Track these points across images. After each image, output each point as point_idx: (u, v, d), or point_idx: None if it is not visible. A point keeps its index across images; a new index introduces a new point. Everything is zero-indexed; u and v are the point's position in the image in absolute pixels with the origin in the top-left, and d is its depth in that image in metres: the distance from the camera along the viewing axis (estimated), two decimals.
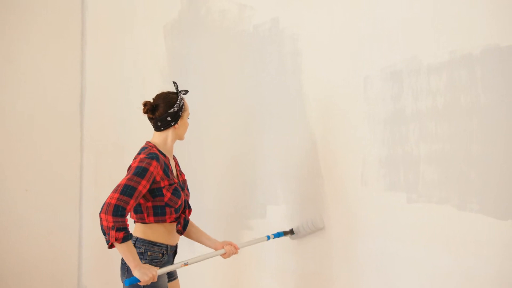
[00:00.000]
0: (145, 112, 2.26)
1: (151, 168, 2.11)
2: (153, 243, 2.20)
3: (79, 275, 4.13)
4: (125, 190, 2.04)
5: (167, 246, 2.25)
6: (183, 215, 2.29)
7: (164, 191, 2.17)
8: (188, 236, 2.43)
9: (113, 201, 2.01)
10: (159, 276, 2.17)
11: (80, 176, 4.14)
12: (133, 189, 2.05)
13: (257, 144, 2.82)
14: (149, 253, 2.18)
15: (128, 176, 2.07)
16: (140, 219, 2.21)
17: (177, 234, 2.31)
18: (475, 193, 1.99)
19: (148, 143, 2.27)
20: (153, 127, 2.29)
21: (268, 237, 2.56)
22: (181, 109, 2.27)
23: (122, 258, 2.20)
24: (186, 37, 3.35)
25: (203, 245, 2.46)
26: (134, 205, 2.08)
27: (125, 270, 2.19)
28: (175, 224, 2.28)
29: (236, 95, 3.01)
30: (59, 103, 4.05)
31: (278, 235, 2.60)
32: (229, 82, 3.05)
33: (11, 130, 3.85)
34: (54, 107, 4.03)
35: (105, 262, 3.88)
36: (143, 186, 2.08)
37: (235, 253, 2.39)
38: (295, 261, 2.68)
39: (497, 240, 1.93)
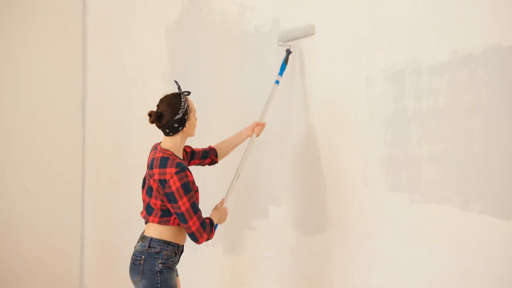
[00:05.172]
0: (152, 122, 2.26)
1: (190, 178, 2.22)
2: (167, 243, 2.25)
3: (81, 276, 4.12)
4: (194, 208, 2.20)
5: (178, 245, 2.30)
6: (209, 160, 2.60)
7: (197, 194, 2.31)
8: (224, 154, 2.65)
9: (197, 224, 2.20)
10: (170, 274, 2.24)
11: (82, 177, 4.14)
12: (195, 203, 2.22)
13: (258, 144, 2.82)
14: (164, 253, 2.23)
15: (186, 198, 2.18)
16: (165, 222, 2.25)
17: (185, 234, 2.33)
18: (477, 193, 1.99)
19: (165, 151, 2.27)
20: (163, 132, 2.30)
21: (277, 82, 2.62)
22: (186, 112, 2.25)
23: (135, 259, 2.24)
24: (186, 38, 3.35)
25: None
26: None
27: (140, 270, 2.22)
28: None
29: (236, 95, 3.01)
30: (60, 103, 4.05)
31: (282, 69, 2.63)
32: (229, 82, 3.05)
33: (11, 130, 3.84)
34: (55, 107, 4.02)
35: (106, 262, 3.87)
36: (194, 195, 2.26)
37: (263, 128, 2.66)
38: (295, 261, 2.68)
39: (497, 240, 1.93)
